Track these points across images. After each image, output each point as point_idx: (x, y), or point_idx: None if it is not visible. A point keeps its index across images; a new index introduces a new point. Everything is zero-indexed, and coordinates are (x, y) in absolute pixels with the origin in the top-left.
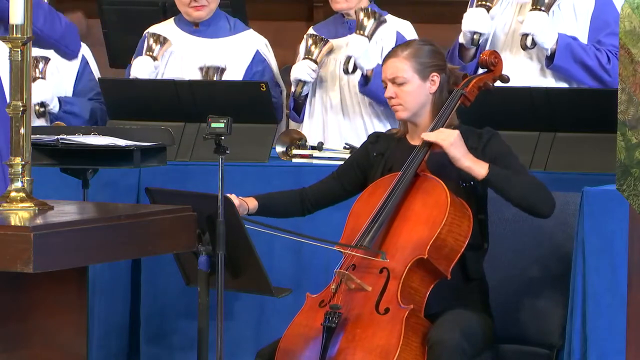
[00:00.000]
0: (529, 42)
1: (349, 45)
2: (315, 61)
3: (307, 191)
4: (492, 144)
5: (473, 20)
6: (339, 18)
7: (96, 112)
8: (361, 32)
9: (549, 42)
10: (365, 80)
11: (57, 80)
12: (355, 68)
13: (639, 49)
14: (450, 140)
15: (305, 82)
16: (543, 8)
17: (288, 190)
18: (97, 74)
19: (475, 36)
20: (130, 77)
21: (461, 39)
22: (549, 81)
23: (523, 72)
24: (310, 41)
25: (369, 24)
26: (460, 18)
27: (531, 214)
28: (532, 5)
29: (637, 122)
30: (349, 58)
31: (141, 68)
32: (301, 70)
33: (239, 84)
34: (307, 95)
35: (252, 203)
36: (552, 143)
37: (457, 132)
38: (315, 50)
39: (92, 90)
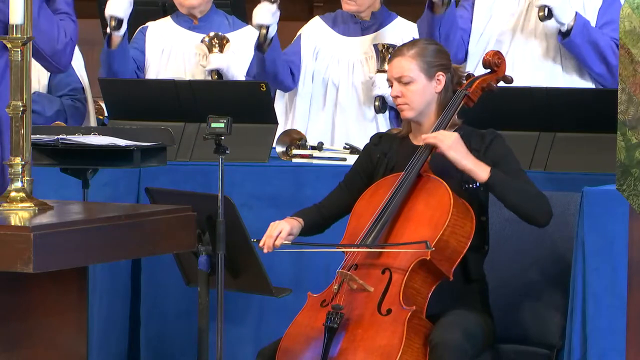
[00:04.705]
0: (546, 13)
1: None
2: (273, 1)
3: (322, 206)
4: (494, 147)
5: None
6: (350, 17)
7: (64, 111)
8: None
9: (566, 18)
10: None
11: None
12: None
13: (639, 49)
14: (448, 142)
15: (268, 26)
16: None
17: (308, 208)
18: (82, 71)
19: None
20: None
21: None
22: (557, 67)
23: (534, 56)
24: None
25: None
26: None
27: (527, 221)
28: None
29: (637, 122)
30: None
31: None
32: (261, 14)
33: (239, 84)
34: (272, 39)
35: (300, 222)
36: (552, 143)
37: (455, 134)
38: None
39: (67, 85)
